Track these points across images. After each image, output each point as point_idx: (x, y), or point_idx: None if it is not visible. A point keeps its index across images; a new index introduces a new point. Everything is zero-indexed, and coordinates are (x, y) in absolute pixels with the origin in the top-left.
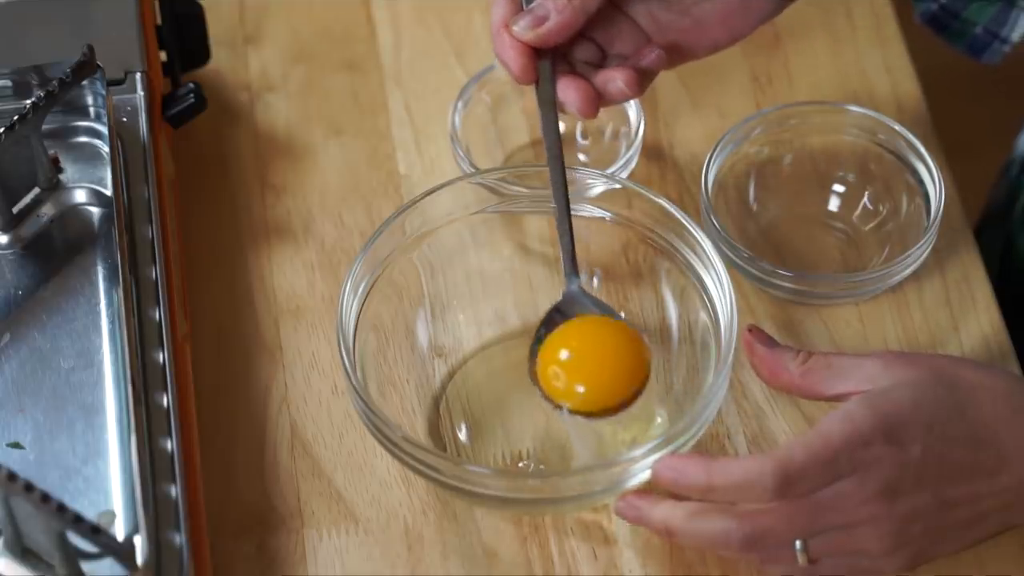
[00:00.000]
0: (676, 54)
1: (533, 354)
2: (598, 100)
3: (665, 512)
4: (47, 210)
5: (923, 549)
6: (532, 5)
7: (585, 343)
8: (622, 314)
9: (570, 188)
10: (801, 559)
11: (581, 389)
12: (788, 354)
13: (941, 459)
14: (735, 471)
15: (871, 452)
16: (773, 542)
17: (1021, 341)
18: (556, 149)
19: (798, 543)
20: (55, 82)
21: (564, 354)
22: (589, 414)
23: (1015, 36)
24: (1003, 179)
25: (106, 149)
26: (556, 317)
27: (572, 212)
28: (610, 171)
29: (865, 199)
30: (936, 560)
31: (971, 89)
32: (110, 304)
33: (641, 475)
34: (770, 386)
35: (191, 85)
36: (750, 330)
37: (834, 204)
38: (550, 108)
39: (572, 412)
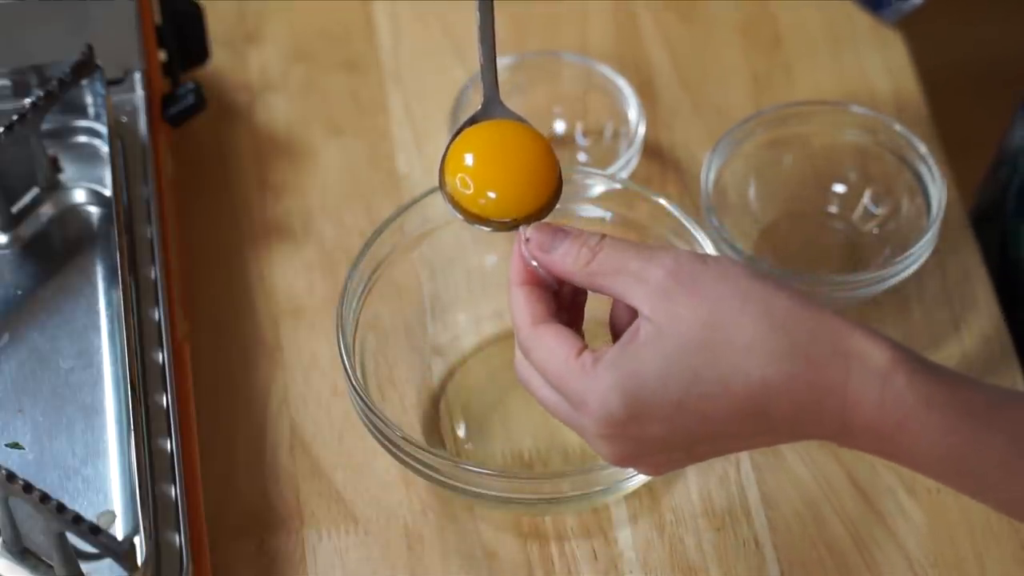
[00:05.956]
0: None
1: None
2: None
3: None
4: (46, 210)
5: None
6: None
7: (489, 146)
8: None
9: (570, 188)
10: None
11: (492, 195)
12: (571, 254)
13: (689, 432)
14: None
15: (619, 430)
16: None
17: (1020, 339)
18: None
19: None
20: (54, 82)
21: (469, 159)
22: (504, 224)
23: None
24: (992, 178)
25: (105, 149)
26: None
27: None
28: (610, 171)
29: (865, 199)
30: None
31: (971, 89)
32: (109, 304)
33: (641, 475)
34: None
35: (191, 85)
36: (528, 240)
37: (834, 204)
38: None
39: (487, 224)
